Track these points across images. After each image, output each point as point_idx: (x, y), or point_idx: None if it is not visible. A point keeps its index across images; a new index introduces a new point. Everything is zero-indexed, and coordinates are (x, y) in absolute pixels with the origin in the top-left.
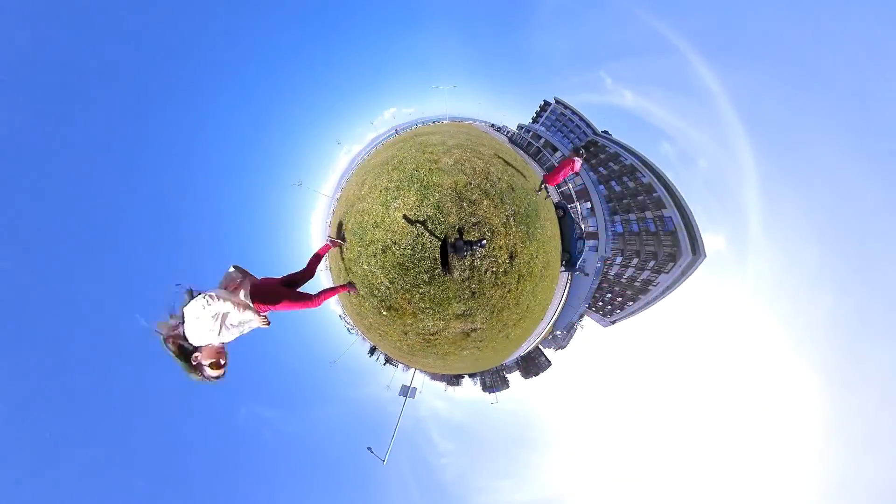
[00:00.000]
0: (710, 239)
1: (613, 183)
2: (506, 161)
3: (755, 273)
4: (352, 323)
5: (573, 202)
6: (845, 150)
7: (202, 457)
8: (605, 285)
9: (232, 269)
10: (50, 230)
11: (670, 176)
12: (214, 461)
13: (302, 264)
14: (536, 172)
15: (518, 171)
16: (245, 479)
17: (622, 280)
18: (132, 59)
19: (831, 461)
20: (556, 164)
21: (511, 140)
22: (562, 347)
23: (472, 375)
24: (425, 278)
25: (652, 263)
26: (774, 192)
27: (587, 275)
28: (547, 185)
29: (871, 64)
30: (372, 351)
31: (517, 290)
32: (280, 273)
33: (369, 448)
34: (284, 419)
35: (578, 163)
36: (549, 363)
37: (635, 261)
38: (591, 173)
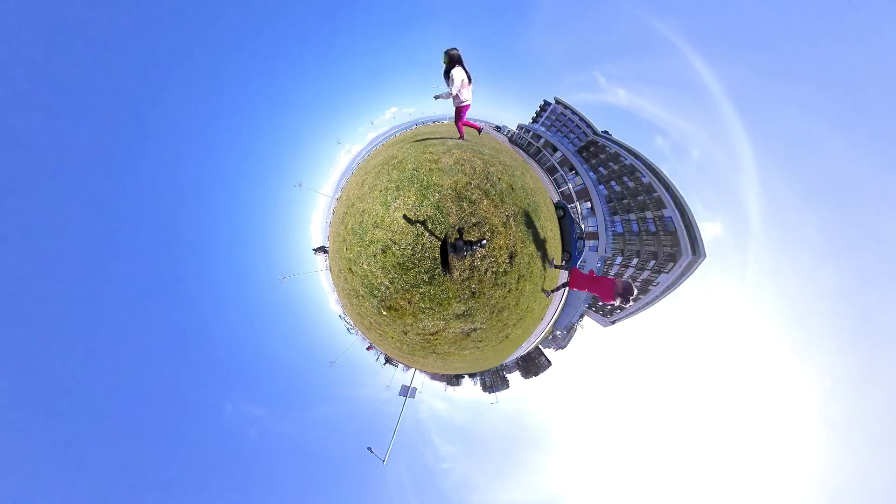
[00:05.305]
0: (707, 227)
1: (613, 183)
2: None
3: (755, 257)
4: (352, 323)
5: (573, 202)
6: (839, 125)
7: (181, 454)
8: None
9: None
10: (51, 232)
11: (666, 170)
12: (195, 459)
13: (301, 264)
14: (537, 172)
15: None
16: (229, 480)
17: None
18: (132, 59)
19: (836, 455)
20: None
21: (511, 140)
22: (562, 347)
23: (472, 375)
24: (425, 278)
25: (652, 263)
26: (769, 174)
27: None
28: None
29: (864, 42)
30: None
31: (517, 290)
32: None
33: (369, 448)
34: (275, 418)
35: None
36: (549, 363)
37: (635, 261)
38: (591, 173)
